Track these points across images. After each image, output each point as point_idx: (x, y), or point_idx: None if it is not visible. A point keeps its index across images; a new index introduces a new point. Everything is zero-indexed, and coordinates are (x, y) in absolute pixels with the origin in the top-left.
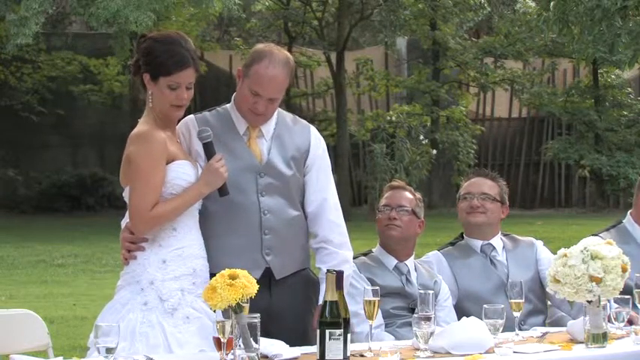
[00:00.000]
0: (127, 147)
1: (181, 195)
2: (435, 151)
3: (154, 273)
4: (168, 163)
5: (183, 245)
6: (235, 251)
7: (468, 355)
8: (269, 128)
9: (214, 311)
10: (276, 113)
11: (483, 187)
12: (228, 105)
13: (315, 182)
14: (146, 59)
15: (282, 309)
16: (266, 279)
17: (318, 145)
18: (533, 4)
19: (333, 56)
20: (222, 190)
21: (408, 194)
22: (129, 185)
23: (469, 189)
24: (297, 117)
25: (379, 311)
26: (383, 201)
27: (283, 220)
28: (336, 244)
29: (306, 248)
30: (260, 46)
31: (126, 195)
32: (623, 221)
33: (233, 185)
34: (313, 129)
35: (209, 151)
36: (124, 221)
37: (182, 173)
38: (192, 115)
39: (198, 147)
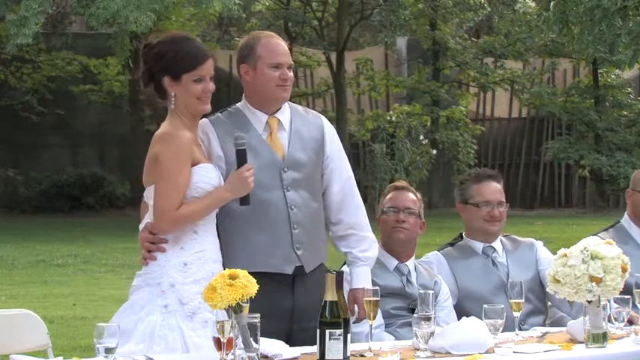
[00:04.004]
0: (151, 146)
1: (205, 198)
2: (435, 151)
3: (175, 275)
4: (192, 165)
5: (204, 248)
6: (266, 248)
7: (468, 355)
8: (286, 119)
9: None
10: (287, 104)
11: (497, 194)
12: (238, 104)
13: (339, 172)
14: (162, 63)
15: (305, 308)
16: (290, 278)
17: (332, 133)
18: (533, 4)
19: (333, 56)
20: (244, 200)
21: (412, 196)
22: (154, 185)
23: (488, 197)
24: (306, 107)
25: (379, 311)
26: (388, 202)
27: (308, 213)
28: (364, 227)
29: (325, 241)
30: (243, 40)
31: (147, 195)
32: (621, 221)
33: (258, 183)
34: (324, 118)
35: (241, 158)
36: (143, 223)
37: (205, 177)
38: (205, 119)
39: (218, 150)
